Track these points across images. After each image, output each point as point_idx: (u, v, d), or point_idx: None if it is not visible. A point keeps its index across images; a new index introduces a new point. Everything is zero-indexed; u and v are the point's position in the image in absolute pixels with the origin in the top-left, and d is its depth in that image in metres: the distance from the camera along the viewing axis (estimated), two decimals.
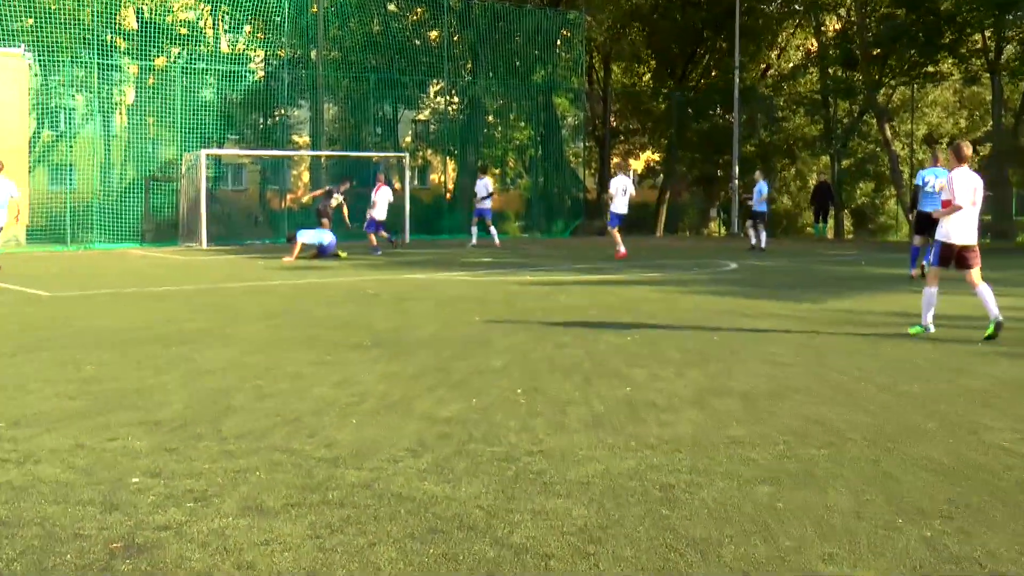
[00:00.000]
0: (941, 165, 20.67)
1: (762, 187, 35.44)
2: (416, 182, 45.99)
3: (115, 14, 37.80)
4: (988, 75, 46.10)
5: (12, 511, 6.32)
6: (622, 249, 29.68)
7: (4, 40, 34.33)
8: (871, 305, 17.88)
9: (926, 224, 19.43)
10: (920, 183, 21.42)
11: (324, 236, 28.65)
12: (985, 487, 6.92)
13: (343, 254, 28.97)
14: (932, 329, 13.79)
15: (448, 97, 46.97)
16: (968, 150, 14.19)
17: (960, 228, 13.51)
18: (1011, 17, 44.21)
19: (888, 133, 49.10)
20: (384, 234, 31.52)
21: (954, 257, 13.58)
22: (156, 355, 12.24)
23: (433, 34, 45.83)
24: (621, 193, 30.16)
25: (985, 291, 13.40)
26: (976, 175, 13.88)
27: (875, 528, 6.08)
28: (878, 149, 50.93)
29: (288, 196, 45.05)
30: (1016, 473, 7.28)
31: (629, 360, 11.93)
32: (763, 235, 35.03)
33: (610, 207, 30.39)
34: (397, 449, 7.80)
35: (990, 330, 13.20)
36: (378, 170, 36.38)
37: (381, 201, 31.53)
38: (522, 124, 49.15)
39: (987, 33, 45.31)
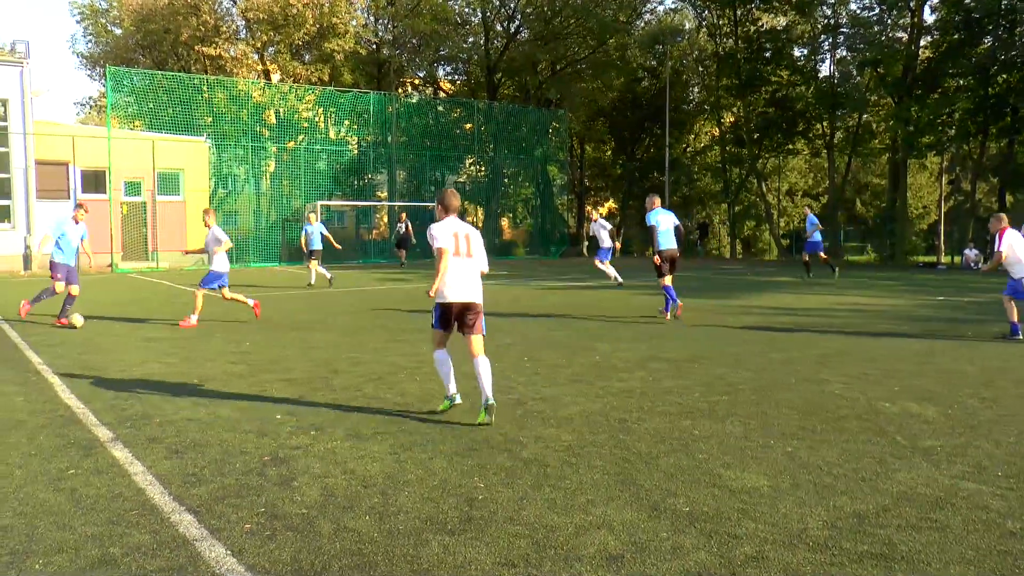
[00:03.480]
0: (659, 205, 14.67)
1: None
2: None
3: (262, 114, 38.02)
4: (826, 151, 46.43)
5: (202, 436, 6.39)
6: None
7: (194, 131, 34.59)
8: (753, 301, 17.85)
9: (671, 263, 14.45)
10: (654, 223, 14.73)
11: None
12: (824, 419, 6.95)
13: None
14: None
15: (478, 167, 46.97)
16: (456, 200, 7.26)
17: (458, 283, 7.06)
18: (840, 113, 44.83)
19: (764, 188, 49.26)
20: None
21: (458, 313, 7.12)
22: (285, 337, 12.30)
23: (468, 125, 45.85)
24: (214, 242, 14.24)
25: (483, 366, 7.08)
26: (470, 226, 7.38)
27: (756, 446, 6.11)
28: (758, 199, 50.91)
29: (373, 231, 45.16)
30: (843, 410, 7.29)
31: (597, 338, 11.95)
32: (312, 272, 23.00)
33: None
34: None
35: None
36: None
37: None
38: (527, 184, 49.14)
39: (825, 123, 45.58)
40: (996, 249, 12.16)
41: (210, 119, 35.81)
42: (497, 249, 45.85)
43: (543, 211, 48.14)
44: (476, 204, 48.86)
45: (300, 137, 39.53)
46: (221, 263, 14.02)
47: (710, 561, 4.09)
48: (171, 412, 7.21)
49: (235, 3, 45.32)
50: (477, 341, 7.13)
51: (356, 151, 42.04)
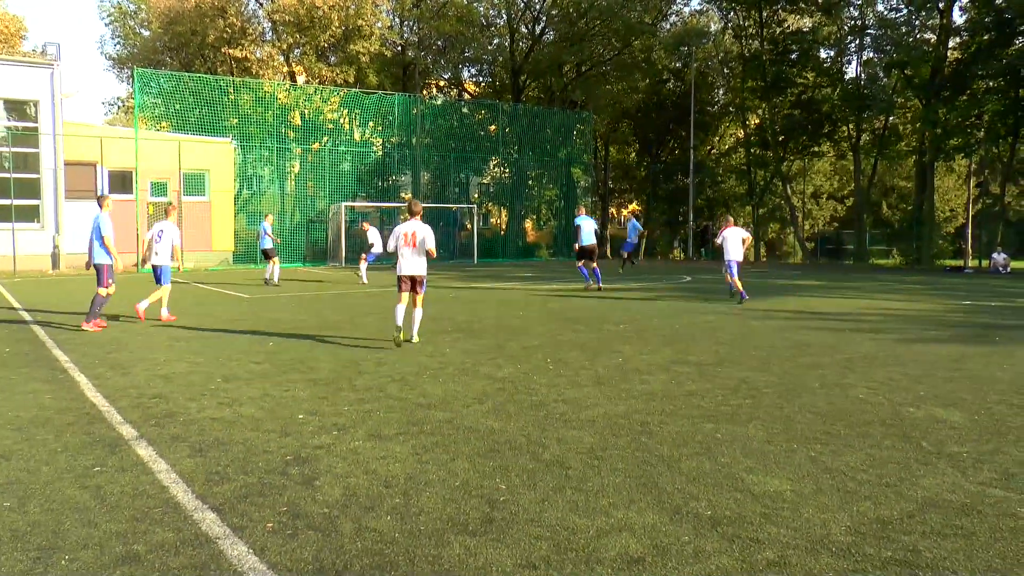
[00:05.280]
0: (584, 212, 21.92)
1: (264, 227, 24.00)
2: (481, 224, 45.96)
3: (287, 115, 38.27)
4: (852, 153, 46.16)
5: (225, 435, 6.44)
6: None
7: (219, 133, 34.87)
8: (779, 305, 17.73)
9: (585, 253, 21.12)
10: (578, 225, 21.17)
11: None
12: (848, 424, 6.89)
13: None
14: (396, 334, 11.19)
15: (502, 168, 47.05)
16: (416, 207, 11.48)
17: (406, 263, 11.28)
18: (866, 115, 44.67)
19: (788, 191, 49.02)
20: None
21: (408, 281, 11.37)
22: (310, 336, 12.35)
23: (492, 127, 45.92)
24: (156, 239, 14.42)
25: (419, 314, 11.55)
26: (420, 224, 11.32)
27: (779, 450, 6.08)
28: (782, 202, 50.62)
29: None
30: (868, 415, 7.23)
31: (622, 341, 11.92)
32: (275, 269, 23.44)
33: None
34: (469, 398, 7.85)
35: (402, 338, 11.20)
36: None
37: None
38: (551, 186, 49.11)
39: (851, 126, 45.34)
40: (714, 239, 19.19)
41: (236, 120, 36.11)
42: (521, 251, 45.89)
43: (567, 213, 48.08)
44: (500, 205, 48.88)
45: (325, 138, 39.76)
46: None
47: (732, 565, 4.07)
48: (195, 411, 7.27)
49: (261, 5, 45.70)
50: (419, 299, 11.52)
51: (381, 152, 42.22)
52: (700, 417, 7.12)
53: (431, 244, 11.30)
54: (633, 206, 64.57)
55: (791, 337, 12.45)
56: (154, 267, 14.51)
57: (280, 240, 26.77)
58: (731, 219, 19.65)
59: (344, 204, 36.98)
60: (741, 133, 54.10)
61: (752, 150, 50.74)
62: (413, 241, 11.32)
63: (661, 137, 55.13)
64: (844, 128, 46.12)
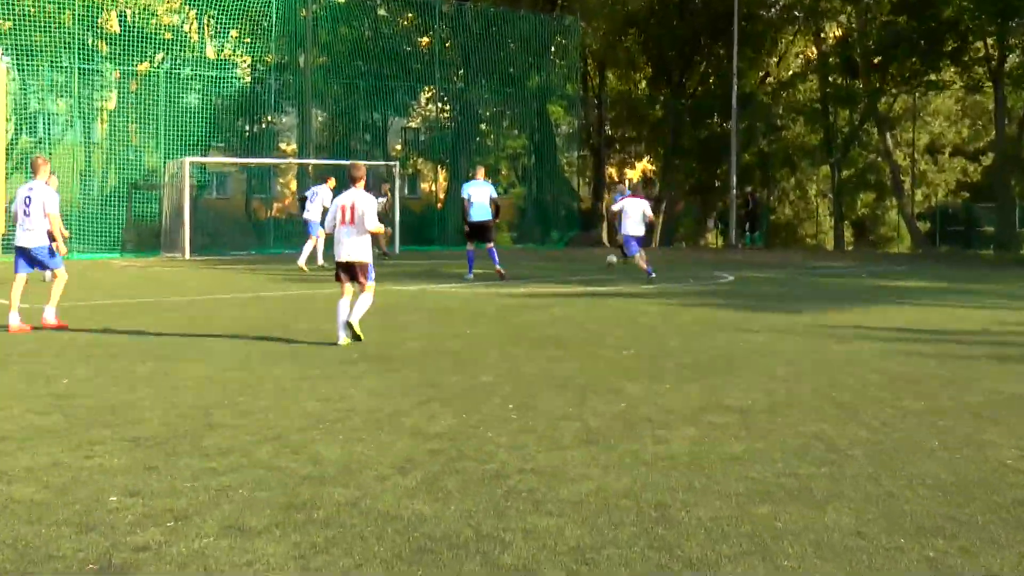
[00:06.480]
0: (481, 177, 25.66)
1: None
2: (406, 191, 45.93)
3: (97, 18, 37.90)
4: (991, 84, 45.93)
5: None
6: None
7: None
8: (871, 318, 17.83)
9: (476, 231, 25.34)
10: (466, 196, 25.17)
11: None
12: (988, 505, 6.88)
13: None
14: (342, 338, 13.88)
15: (440, 104, 47.02)
16: (358, 172, 14.26)
17: (342, 246, 13.87)
18: (1014, 24, 44.22)
19: (889, 142, 49.11)
20: None
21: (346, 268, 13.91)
22: (132, 370, 12.20)
23: (424, 40, 45.91)
24: (24, 210, 16.31)
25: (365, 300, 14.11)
26: (361, 194, 13.87)
27: (876, 547, 6.04)
28: (879, 159, 50.87)
29: (275, 205, 44.96)
30: (1019, 491, 7.23)
31: (625, 375, 11.89)
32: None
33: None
34: (385, 466, 7.77)
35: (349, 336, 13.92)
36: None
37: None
38: (515, 132, 49.26)
39: (990, 41, 45.24)
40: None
41: (9, 25, 35.60)
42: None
43: (540, 174, 48.21)
44: (436, 163, 48.71)
45: (158, 56, 39.47)
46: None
47: None
48: None
49: None
50: (365, 286, 13.81)
51: (249, 79, 42.01)
52: (748, 495, 7.10)
53: (372, 220, 13.59)
54: (646, 164, 64.78)
55: (891, 368, 12.49)
56: (20, 249, 15.85)
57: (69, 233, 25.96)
58: (637, 185, 23.38)
59: (189, 159, 36.66)
60: (813, 52, 54.50)
61: (831, 78, 51.03)
62: (351, 217, 13.51)
63: (687, 58, 55.34)
64: (978, 44, 46.27)
